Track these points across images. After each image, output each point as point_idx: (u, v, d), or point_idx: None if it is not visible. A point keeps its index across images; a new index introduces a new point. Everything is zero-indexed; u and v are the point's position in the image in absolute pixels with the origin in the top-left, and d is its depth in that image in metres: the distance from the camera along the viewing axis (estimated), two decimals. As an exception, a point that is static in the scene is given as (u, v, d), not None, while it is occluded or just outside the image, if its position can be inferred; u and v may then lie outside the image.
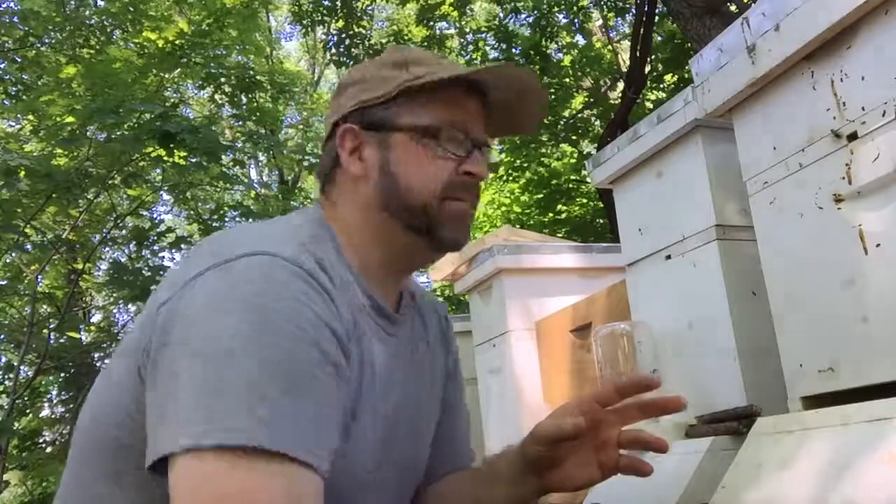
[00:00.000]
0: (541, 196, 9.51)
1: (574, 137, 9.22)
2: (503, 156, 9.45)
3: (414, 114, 0.98)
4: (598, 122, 9.19)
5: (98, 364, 7.97)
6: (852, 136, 1.13)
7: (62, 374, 8.59)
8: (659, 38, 8.10)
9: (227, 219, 6.76)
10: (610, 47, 9.24)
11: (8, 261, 6.95)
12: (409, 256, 1.02)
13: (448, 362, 1.20)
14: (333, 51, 8.37)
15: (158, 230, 6.27)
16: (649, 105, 8.13)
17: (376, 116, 0.99)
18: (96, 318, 10.29)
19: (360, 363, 0.91)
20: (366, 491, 0.95)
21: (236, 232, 0.97)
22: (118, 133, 5.40)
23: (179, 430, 0.71)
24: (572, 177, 9.43)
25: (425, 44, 8.29)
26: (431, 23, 8.56)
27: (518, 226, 8.54)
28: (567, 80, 8.76)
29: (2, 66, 6.67)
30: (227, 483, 0.68)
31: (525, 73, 1.00)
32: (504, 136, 1.20)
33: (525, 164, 9.24)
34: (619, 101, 7.53)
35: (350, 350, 0.87)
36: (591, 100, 9.13)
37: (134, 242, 6.78)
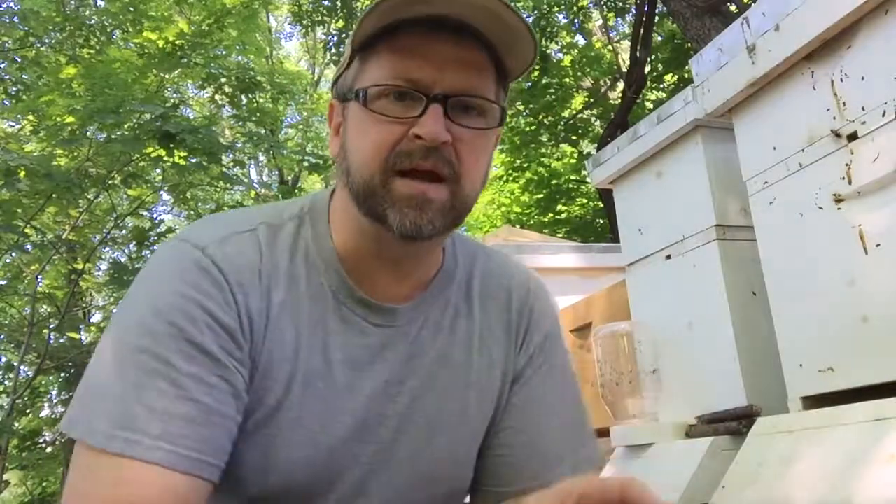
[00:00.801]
0: (541, 196, 9.51)
1: (574, 137, 9.23)
2: (503, 156, 9.45)
3: (365, 75, 0.81)
4: (598, 122, 9.19)
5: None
6: (852, 136, 1.13)
7: (62, 374, 8.61)
8: (659, 38, 8.10)
9: (227, 219, 6.74)
10: (610, 47, 9.24)
11: (8, 261, 6.95)
12: (380, 245, 0.84)
13: (515, 360, 0.96)
14: (333, 51, 8.39)
15: (158, 230, 6.29)
16: (649, 105, 8.14)
17: (342, 86, 0.85)
18: (96, 318, 10.29)
19: (294, 353, 0.82)
20: (325, 495, 0.85)
21: (211, 216, 0.96)
22: (118, 133, 5.41)
23: (68, 410, 0.78)
24: (572, 177, 9.43)
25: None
26: (431, 23, 8.54)
27: (518, 226, 8.55)
28: (567, 80, 8.77)
29: (2, 66, 6.67)
30: (85, 477, 0.74)
31: None
32: (517, 77, 0.94)
33: (525, 164, 9.24)
34: (619, 101, 7.53)
35: (258, 341, 0.80)
36: (591, 100, 9.14)
37: (134, 242, 6.79)
